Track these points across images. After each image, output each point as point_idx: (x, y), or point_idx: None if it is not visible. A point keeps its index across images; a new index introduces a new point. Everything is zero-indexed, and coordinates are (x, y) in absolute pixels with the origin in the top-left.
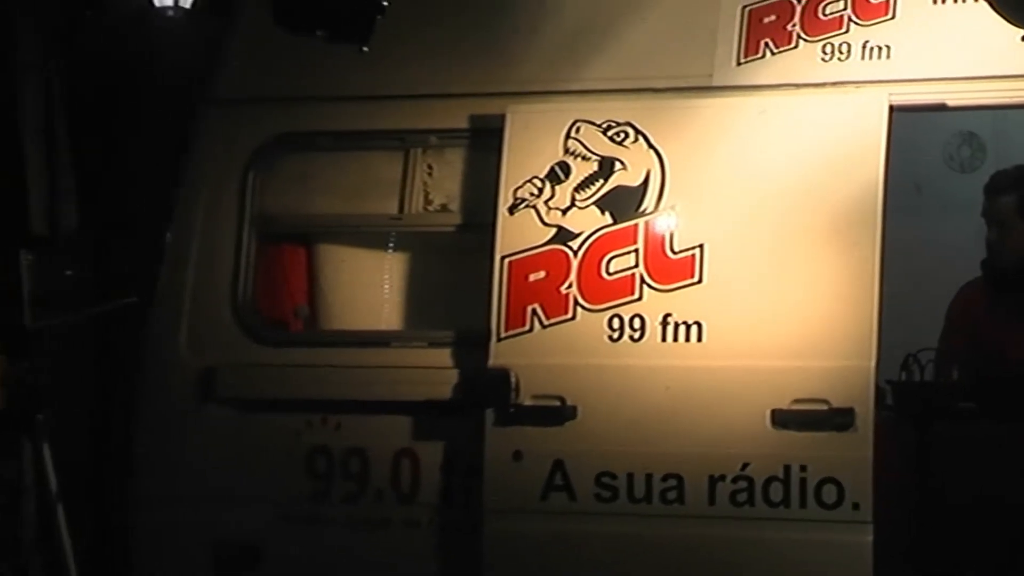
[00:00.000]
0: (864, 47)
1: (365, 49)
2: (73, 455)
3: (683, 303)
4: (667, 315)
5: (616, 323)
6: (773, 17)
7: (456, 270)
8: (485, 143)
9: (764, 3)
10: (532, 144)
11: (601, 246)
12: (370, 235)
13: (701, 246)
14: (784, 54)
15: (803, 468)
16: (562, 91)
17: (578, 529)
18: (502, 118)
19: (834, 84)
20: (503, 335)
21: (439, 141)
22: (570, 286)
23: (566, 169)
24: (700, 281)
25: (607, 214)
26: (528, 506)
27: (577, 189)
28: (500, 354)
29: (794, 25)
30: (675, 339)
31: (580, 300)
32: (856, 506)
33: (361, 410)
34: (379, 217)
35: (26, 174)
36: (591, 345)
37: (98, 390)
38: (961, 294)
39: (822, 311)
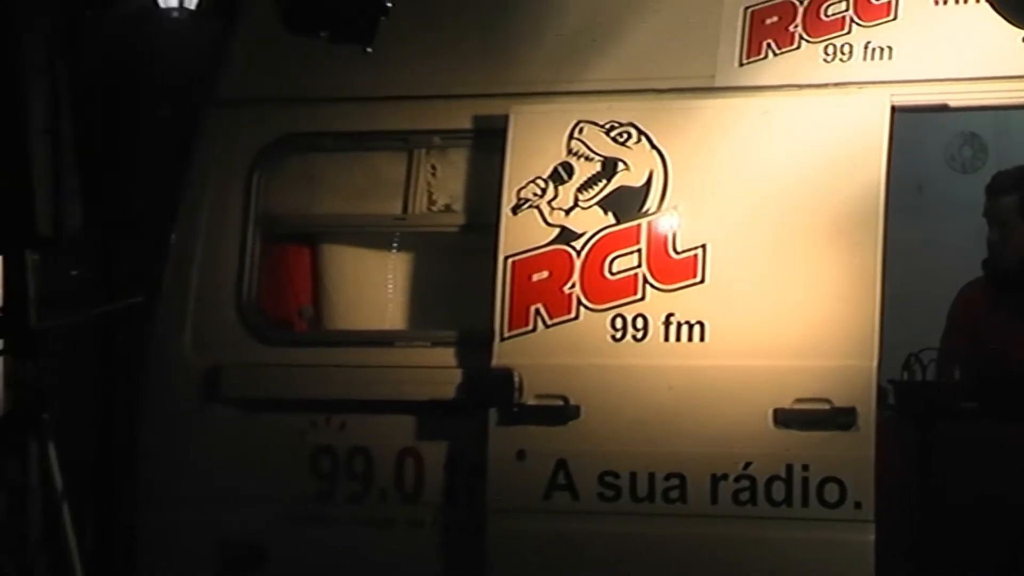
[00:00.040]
0: (866, 48)
1: (369, 50)
2: (78, 455)
3: (686, 303)
4: (670, 315)
5: (619, 323)
6: (775, 18)
7: (460, 270)
8: (488, 144)
9: (766, 4)
10: (535, 144)
11: (604, 246)
12: (374, 235)
13: (703, 246)
14: (786, 55)
15: (805, 467)
16: (565, 92)
17: (581, 528)
18: (505, 119)
19: (836, 85)
20: (506, 335)
21: (443, 142)
22: (573, 286)
23: (569, 169)
24: (702, 281)
25: (610, 214)
26: (531, 505)
27: (580, 189)
28: (503, 354)
29: (796, 26)
30: (678, 339)
31: (583, 300)
32: (858, 505)
33: (365, 410)
34: (383, 217)
35: (31, 175)
36: (594, 345)
37: (103, 390)
38: (962, 294)
39: (824, 311)
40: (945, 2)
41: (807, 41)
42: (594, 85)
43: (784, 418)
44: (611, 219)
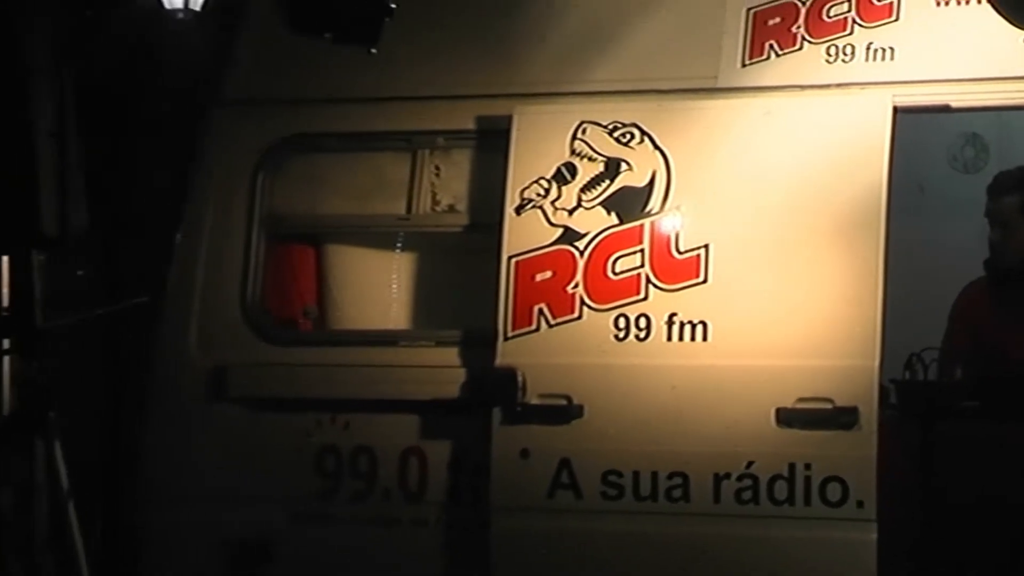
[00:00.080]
0: (868, 49)
1: (373, 51)
2: (84, 454)
3: (688, 303)
4: (672, 315)
5: (622, 323)
6: (778, 19)
7: (463, 270)
8: (492, 144)
9: (769, 5)
10: (539, 145)
11: (607, 246)
12: (378, 235)
13: (706, 246)
14: (789, 56)
15: (808, 466)
16: (568, 92)
17: (584, 527)
18: (509, 119)
19: (838, 86)
20: (510, 334)
21: (446, 142)
22: (576, 286)
23: (572, 170)
24: (705, 281)
25: (613, 214)
26: (535, 504)
27: (583, 190)
28: (507, 353)
29: (799, 27)
30: (680, 338)
31: (586, 300)
32: (860, 504)
33: (369, 409)
34: (387, 217)
35: (37, 175)
36: (597, 344)
37: (109, 389)
38: (964, 294)
39: (826, 311)
40: (947, 3)
41: (809, 42)
42: (597, 86)
43: (786, 417)
44: (614, 219)
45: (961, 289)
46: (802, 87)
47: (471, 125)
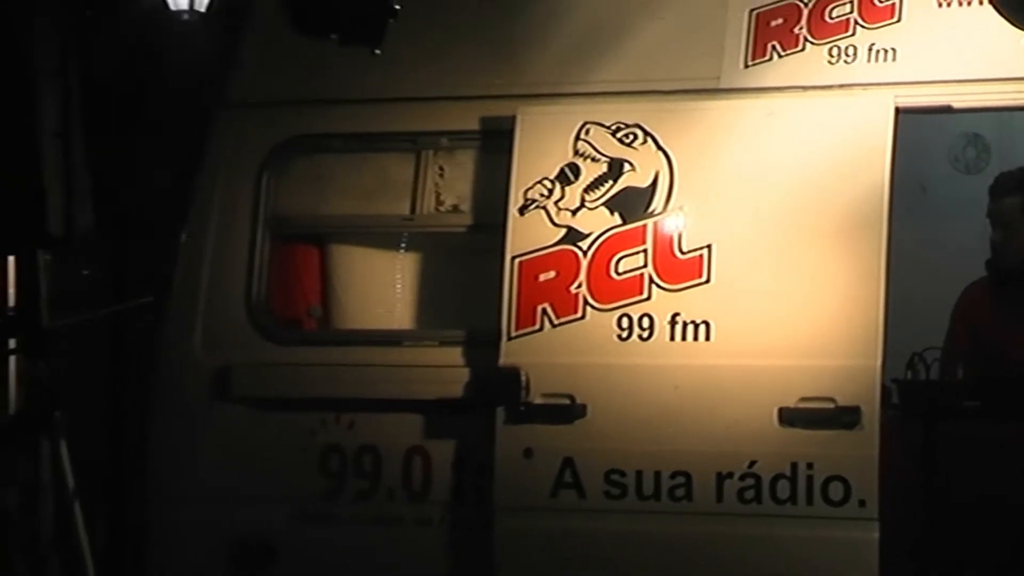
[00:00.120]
0: (870, 50)
1: (377, 52)
2: (90, 454)
3: (691, 303)
4: (675, 314)
5: (625, 322)
6: (780, 20)
7: (467, 270)
8: (496, 145)
9: (771, 6)
10: (542, 146)
11: (610, 246)
12: (382, 235)
13: (709, 246)
14: (791, 57)
15: (810, 466)
16: (571, 93)
17: (587, 526)
18: (512, 120)
19: (840, 86)
20: (513, 334)
21: (450, 143)
22: (579, 286)
23: (575, 170)
24: (708, 281)
25: (616, 215)
26: (538, 503)
27: (586, 190)
28: (510, 353)
29: (801, 28)
30: (683, 338)
31: (589, 300)
32: (862, 503)
33: (373, 408)
34: (391, 218)
35: (43, 176)
36: (600, 344)
37: (114, 389)
38: (966, 294)
39: (829, 311)
40: (948, 4)
41: (812, 43)
42: (600, 87)
43: (789, 417)
44: (617, 219)
45: (963, 289)
46: (804, 88)
47: (475, 126)
